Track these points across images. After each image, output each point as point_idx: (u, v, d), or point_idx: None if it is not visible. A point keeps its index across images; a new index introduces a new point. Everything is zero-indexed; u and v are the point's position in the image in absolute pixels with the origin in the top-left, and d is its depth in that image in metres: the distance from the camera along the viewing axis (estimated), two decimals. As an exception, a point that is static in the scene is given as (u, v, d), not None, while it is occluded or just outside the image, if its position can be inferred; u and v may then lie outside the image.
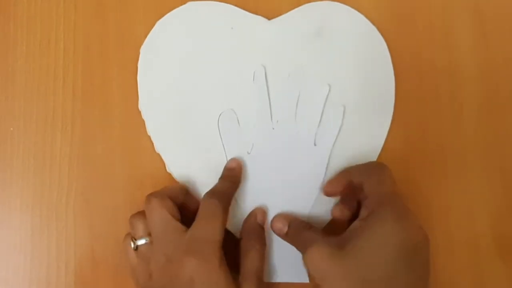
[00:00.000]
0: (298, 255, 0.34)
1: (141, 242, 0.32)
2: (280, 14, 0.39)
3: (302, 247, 0.31)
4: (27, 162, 0.38)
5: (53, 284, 0.37)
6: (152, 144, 0.38)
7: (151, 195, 0.32)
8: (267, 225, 0.36)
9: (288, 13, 0.39)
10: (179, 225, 0.31)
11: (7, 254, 0.38)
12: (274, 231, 0.35)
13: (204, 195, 0.33)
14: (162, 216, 0.31)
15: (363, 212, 0.30)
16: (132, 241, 0.33)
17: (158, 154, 0.38)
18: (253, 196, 0.36)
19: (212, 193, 0.33)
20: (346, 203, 0.34)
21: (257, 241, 0.34)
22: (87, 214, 0.38)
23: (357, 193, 0.32)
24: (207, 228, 0.31)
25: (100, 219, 0.38)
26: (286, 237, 0.34)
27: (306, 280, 0.35)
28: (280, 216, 0.35)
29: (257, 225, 0.35)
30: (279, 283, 0.36)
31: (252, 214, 0.36)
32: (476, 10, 0.40)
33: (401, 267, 0.27)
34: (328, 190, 0.35)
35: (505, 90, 0.39)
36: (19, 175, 0.38)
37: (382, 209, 0.29)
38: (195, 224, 0.31)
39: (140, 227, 0.32)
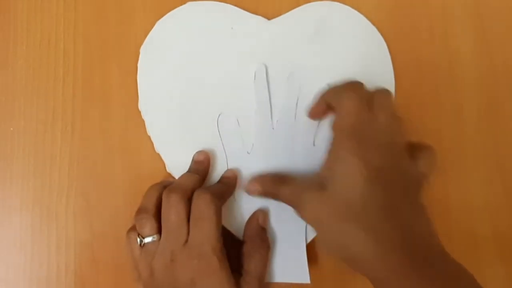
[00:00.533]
0: (298, 255, 0.34)
1: (148, 240, 0.32)
2: (280, 14, 0.39)
3: (289, 202, 0.32)
4: (27, 162, 0.38)
5: (53, 284, 0.37)
6: (152, 144, 0.38)
7: (171, 192, 0.32)
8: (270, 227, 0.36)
9: (288, 13, 0.39)
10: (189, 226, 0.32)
11: (7, 254, 0.38)
12: (250, 194, 0.35)
13: (194, 195, 0.32)
14: (178, 213, 0.31)
15: (332, 141, 0.31)
16: (139, 237, 0.33)
17: (158, 154, 0.38)
18: (253, 195, 0.36)
19: (200, 190, 0.32)
20: (318, 105, 0.35)
21: (261, 245, 0.34)
22: (87, 214, 0.38)
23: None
24: (202, 231, 0.31)
25: (100, 219, 0.38)
26: (264, 195, 0.34)
27: (306, 280, 0.35)
28: (252, 179, 0.35)
29: (259, 228, 0.35)
30: (279, 283, 0.36)
31: (254, 217, 0.36)
32: (476, 10, 0.40)
33: (375, 190, 0.28)
34: (310, 114, 0.36)
35: (505, 90, 0.39)
36: (19, 175, 0.38)
37: (343, 142, 0.29)
38: (191, 227, 0.31)
39: (148, 225, 0.32)
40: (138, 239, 0.33)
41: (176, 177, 0.37)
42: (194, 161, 0.36)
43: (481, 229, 0.37)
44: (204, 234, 0.31)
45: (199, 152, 0.36)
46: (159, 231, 0.32)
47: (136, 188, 0.38)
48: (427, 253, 0.28)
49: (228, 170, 0.37)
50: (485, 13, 0.40)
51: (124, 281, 0.37)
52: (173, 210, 0.31)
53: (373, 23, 0.39)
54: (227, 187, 0.36)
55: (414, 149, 0.30)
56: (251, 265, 0.33)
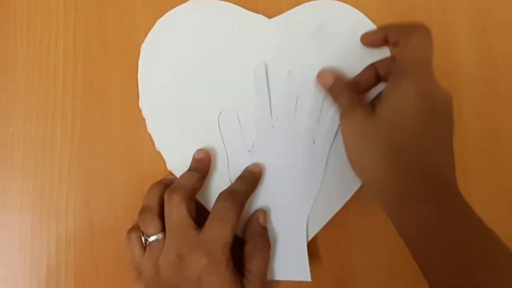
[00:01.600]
0: (299, 253, 0.34)
1: (153, 238, 0.32)
2: (280, 13, 0.39)
3: (341, 106, 0.34)
4: (27, 162, 0.39)
5: (53, 284, 0.37)
6: (153, 142, 0.38)
7: (172, 192, 0.32)
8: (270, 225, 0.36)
9: (288, 11, 0.39)
10: (194, 224, 0.32)
11: (7, 254, 0.38)
12: (320, 80, 0.36)
13: (219, 196, 0.33)
14: (180, 214, 0.32)
15: (392, 75, 0.32)
16: (144, 237, 0.33)
17: (159, 153, 0.38)
18: (254, 193, 0.36)
19: (227, 194, 0.33)
20: (364, 75, 0.36)
21: (263, 245, 0.34)
22: (87, 214, 0.38)
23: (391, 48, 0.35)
24: (218, 230, 0.31)
25: (100, 219, 0.38)
26: (329, 90, 0.36)
27: (307, 278, 0.35)
28: (327, 71, 0.36)
29: (260, 228, 0.35)
30: (279, 282, 0.36)
31: (254, 217, 0.36)
32: (476, 9, 0.40)
33: (424, 124, 0.30)
34: (364, 38, 0.37)
35: (505, 89, 0.39)
36: (19, 175, 0.38)
37: (405, 75, 0.30)
38: (207, 225, 0.32)
39: (152, 224, 0.33)
40: (143, 238, 0.33)
41: (177, 175, 0.37)
42: (194, 160, 0.36)
43: (481, 229, 0.37)
44: (219, 233, 0.31)
45: (199, 150, 0.36)
46: (163, 230, 0.32)
47: (136, 188, 0.38)
48: (440, 185, 0.30)
49: (254, 164, 0.37)
50: (485, 13, 0.40)
51: (124, 281, 0.37)
52: (175, 211, 0.32)
53: (373, 22, 0.39)
54: (250, 186, 0.36)
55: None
56: (253, 264, 0.33)
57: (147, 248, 0.33)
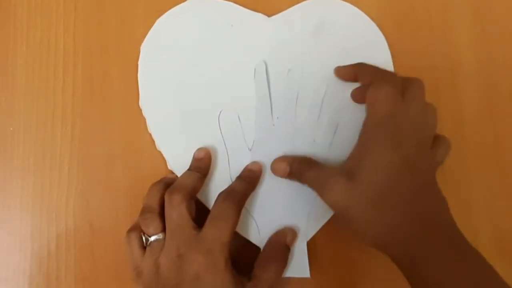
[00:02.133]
0: (299, 251, 0.34)
1: (153, 238, 0.33)
2: (280, 11, 0.39)
3: (313, 185, 0.32)
4: (27, 162, 0.39)
5: (53, 284, 0.37)
6: (153, 142, 0.38)
7: (173, 192, 0.32)
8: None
9: (288, 10, 0.39)
10: (194, 224, 0.32)
11: (7, 254, 0.38)
12: (276, 173, 0.35)
13: (218, 195, 0.33)
14: (181, 214, 0.32)
15: (362, 130, 0.32)
16: (144, 236, 0.33)
17: (159, 152, 0.38)
18: (254, 191, 0.36)
19: (226, 194, 0.33)
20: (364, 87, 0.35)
21: (279, 259, 0.34)
22: (87, 214, 0.38)
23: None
24: (217, 230, 0.31)
25: (100, 219, 0.38)
26: (290, 176, 0.35)
27: (307, 275, 0.35)
28: (280, 159, 0.36)
29: (283, 244, 0.35)
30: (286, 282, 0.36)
31: (283, 233, 0.35)
32: (476, 9, 0.40)
33: (405, 179, 0.29)
34: (337, 72, 0.37)
35: (505, 89, 0.39)
36: (19, 175, 0.38)
37: (376, 134, 0.30)
38: (206, 224, 0.32)
39: (152, 224, 0.33)
40: (144, 238, 0.33)
41: (178, 175, 0.36)
42: (195, 159, 0.36)
43: (481, 229, 0.37)
44: (218, 232, 0.31)
45: (199, 149, 0.36)
46: (163, 230, 0.33)
47: (136, 187, 0.38)
48: (451, 237, 0.30)
49: (254, 162, 0.36)
50: (485, 13, 0.40)
51: (124, 281, 0.37)
52: (175, 211, 0.32)
53: (373, 20, 0.39)
54: (250, 185, 0.35)
55: (434, 140, 0.32)
56: (264, 273, 0.33)
57: (147, 248, 0.33)
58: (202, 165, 0.36)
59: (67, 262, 0.38)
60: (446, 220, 0.31)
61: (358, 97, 0.36)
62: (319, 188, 0.31)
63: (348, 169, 0.30)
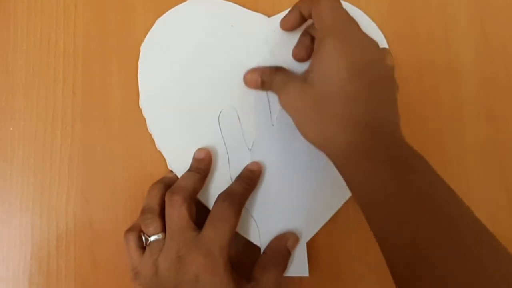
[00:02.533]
0: (298, 250, 0.35)
1: (153, 238, 0.33)
2: (280, 11, 0.39)
3: (276, 89, 0.34)
4: (27, 162, 0.38)
5: (53, 284, 0.37)
6: (153, 142, 0.38)
7: (173, 193, 0.33)
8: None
9: (287, 10, 0.39)
10: (194, 225, 0.32)
11: (7, 254, 0.38)
12: (250, 85, 0.36)
13: (218, 196, 0.33)
14: (181, 215, 0.32)
15: (316, 41, 0.33)
16: (144, 236, 0.33)
17: (159, 152, 0.38)
18: (254, 191, 0.36)
19: (226, 195, 0.33)
20: (301, 42, 0.37)
21: (279, 264, 0.34)
22: (87, 214, 0.38)
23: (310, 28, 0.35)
24: (217, 231, 0.31)
25: (100, 219, 0.38)
26: (262, 86, 0.36)
27: (305, 274, 0.35)
28: (252, 71, 0.36)
29: (285, 248, 0.35)
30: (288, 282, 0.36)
31: (284, 236, 0.36)
32: (476, 10, 0.40)
33: (357, 84, 0.30)
34: (283, 23, 0.37)
35: (505, 90, 0.39)
36: (19, 175, 0.38)
37: (325, 38, 0.31)
38: (206, 225, 0.32)
39: (152, 224, 0.33)
40: (144, 238, 0.33)
41: (178, 175, 0.37)
42: (195, 159, 0.36)
43: (481, 229, 0.37)
44: (218, 234, 0.31)
45: (199, 150, 0.36)
46: (163, 230, 0.33)
47: (136, 187, 0.38)
48: (387, 138, 0.30)
49: (254, 162, 0.37)
50: (485, 13, 0.40)
51: (124, 281, 0.37)
52: (176, 212, 0.32)
53: (372, 20, 0.39)
54: (249, 186, 0.36)
55: None
56: (264, 276, 0.33)
57: (147, 248, 0.33)
58: (203, 166, 0.36)
59: (67, 262, 0.38)
60: (390, 131, 0.30)
61: (299, 55, 0.37)
62: (278, 91, 0.33)
63: (305, 75, 0.32)
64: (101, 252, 0.38)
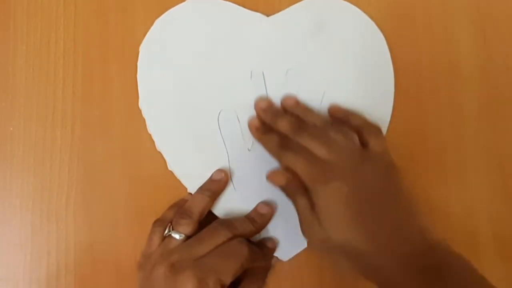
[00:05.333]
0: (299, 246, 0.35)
1: (176, 235, 0.33)
2: (279, 11, 0.39)
3: (300, 208, 0.33)
4: (27, 162, 0.38)
5: (53, 284, 0.37)
6: (153, 142, 0.38)
7: (182, 217, 0.33)
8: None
9: (287, 9, 0.39)
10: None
11: (7, 254, 0.38)
12: (272, 182, 0.34)
13: (224, 229, 0.33)
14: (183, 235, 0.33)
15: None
16: (169, 228, 0.33)
17: (159, 153, 0.38)
18: (254, 192, 0.37)
19: (233, 230, 0.33)
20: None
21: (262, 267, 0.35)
22: (87, 214, 0.38)
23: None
24: (222, 263, 0.31)
25: (100, 219, 0.38)
26: (284, 189, 0.35)
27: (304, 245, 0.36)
28: (276, 171, 0.35)
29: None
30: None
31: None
32: (476, 10, 0.40)
33: (355, 208, 0.31)
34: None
35: (505, 90, 0.39)
36: (19, 175, 0.38)
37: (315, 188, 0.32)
38: (216, 253, 0.32)
39: (185, 226, 0.33)
40: (168, 229, 0.33)
41: (177, 176, 0.37)
42: (211, 180, 0.37)
43: (481, 229, 0.37)
44: (221, 266, 0.31)
45: (218, 171, 0.37)
46: (189, 235, 0.33)
47: (136, 187, 0.38)
48: (414, 249, 0.30)
49: (262, 205, 0.36)
50: (485, 12, 0.40)
51: (124, 281, 0.37)
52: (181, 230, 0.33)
53: (372, 19, 0.39)
54: (261, 228, 0.36)
55: (361, 138, 0.33)
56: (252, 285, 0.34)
57: (166, 239, 0.33)
58: (215, 188, 0.36)
59: (67, 262, 0.37)
60: (415, 242, 0.31)
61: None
62: (302, 219, 0.33)
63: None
64: (101, 252, 0.38)
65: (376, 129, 0.35)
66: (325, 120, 0.36)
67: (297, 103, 0.37)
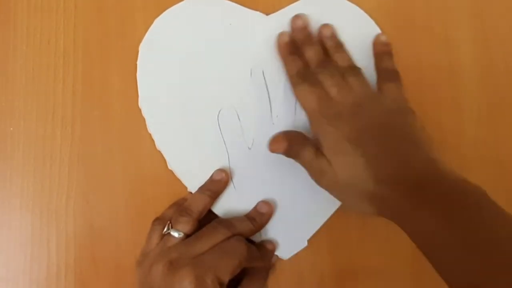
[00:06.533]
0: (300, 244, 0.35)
1: (175, 233, 0.33)
2: (278, 9, 0.39)
3: (304, 164, 0.34)
4: (27, 162, 0.38)
5: (53, 284, 0.37)
6: (153, 141, 0.38)
7: (182, 215, 0.34)
8: None
9: (286, 8, 0.39)
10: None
11: (7, 254, 0.38)
12: (275, 151, 0.35)
13: (223, 228, 0.33)
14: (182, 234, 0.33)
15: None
16: (168, 226, 0.34)
17: (159, 152, 0.38)
18: (254, 191, 0.37)
19: (232, 228, 0.34)
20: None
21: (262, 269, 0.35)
22: (87, 214, 0.38)
23: None
24: (219, 260, 0.31)
25: (100, 219, 0.38)
26: (286, 153, 0.35)
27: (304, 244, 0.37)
28: (278, 136, 0.35)
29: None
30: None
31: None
32: (477, 10, 0.40)
33: (362, 145, 0.32)
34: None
35: (505, 90, 0.39)
36: (19, 175, 0.38)
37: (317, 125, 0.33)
38: (215, 250, 0.32)
39: (184, 224, 0.33)
40: (167, 227, 0.34)
41: (178, 175, 0.37)
42: (211, 180, 0.37)
43: (481, 229, 0.37)
44: (219, 263, 0.31)
45: (219, 171, 0.37)
46: (188, 234, 0.33)
47: (136, 187, 0.38)
48: (421, 178, 0.30)
49: (261, 204, 0.36)
50: (485, 12, 0.40)
51: (124, 281, 0.37)
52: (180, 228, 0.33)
53: (372, 18, 0.39)
54: (257, 229, 0.36)
55: (378, 84, 0.35)
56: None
57: (165, 237, 0.33)
58: (215, 188, 0.36)
59: (67, 262, 0.37)
60: (429, 172, 0.31)
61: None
62: (308, 167, 0.34)
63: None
64: (101, 252, 0.38)
65: (393, 76, 0.35)
66: (351, 63, 0.36)
67: (333, 35, 0.37)
